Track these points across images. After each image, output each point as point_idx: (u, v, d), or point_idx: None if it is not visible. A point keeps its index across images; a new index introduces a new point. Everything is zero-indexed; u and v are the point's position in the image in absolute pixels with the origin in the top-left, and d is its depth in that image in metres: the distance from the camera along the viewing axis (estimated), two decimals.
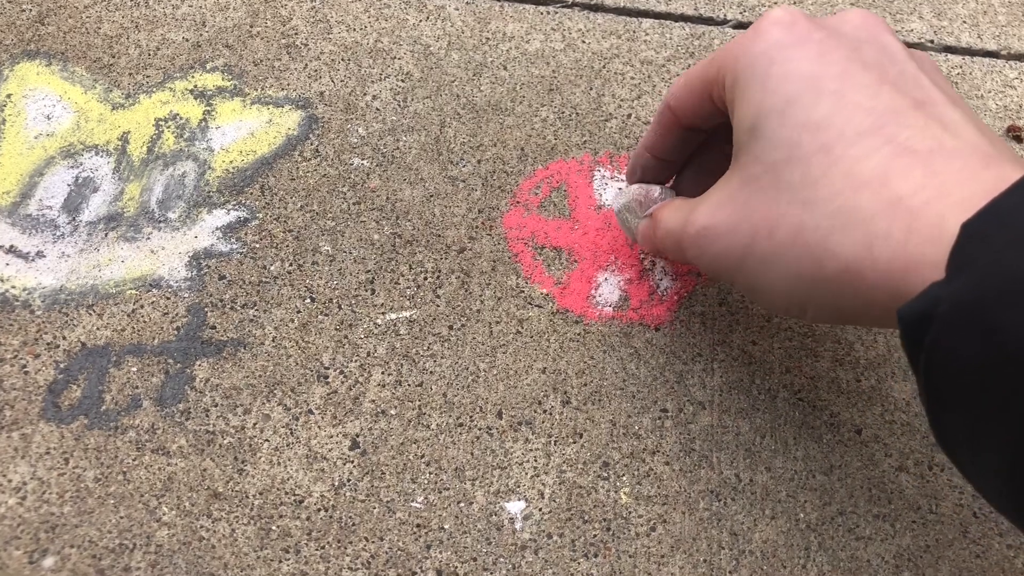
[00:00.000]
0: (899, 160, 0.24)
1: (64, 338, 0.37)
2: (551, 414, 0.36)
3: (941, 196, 0.23)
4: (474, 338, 0.38)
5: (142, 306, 0.38)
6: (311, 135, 0.43)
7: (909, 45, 0.47)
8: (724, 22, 0.48)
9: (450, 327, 0.38)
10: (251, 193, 0.41)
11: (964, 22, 0.48)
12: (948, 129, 0.25)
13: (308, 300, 0.38)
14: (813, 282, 0.26)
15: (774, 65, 0.28)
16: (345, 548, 0.33)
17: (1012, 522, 0.21)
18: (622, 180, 0.42)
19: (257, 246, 0.40)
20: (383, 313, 0.38)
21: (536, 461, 0.35)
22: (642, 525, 0.34)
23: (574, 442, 0.35)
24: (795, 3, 0.48)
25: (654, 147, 0.35)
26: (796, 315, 0.28)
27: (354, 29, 0.46)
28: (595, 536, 0.33)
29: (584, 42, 0.46)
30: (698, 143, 0.35)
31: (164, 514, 0.34)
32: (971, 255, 0.21)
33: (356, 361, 0.37)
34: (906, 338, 0.22)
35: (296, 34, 0.46)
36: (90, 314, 0.38)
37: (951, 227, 0.22)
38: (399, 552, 0.33)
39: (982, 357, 0.20)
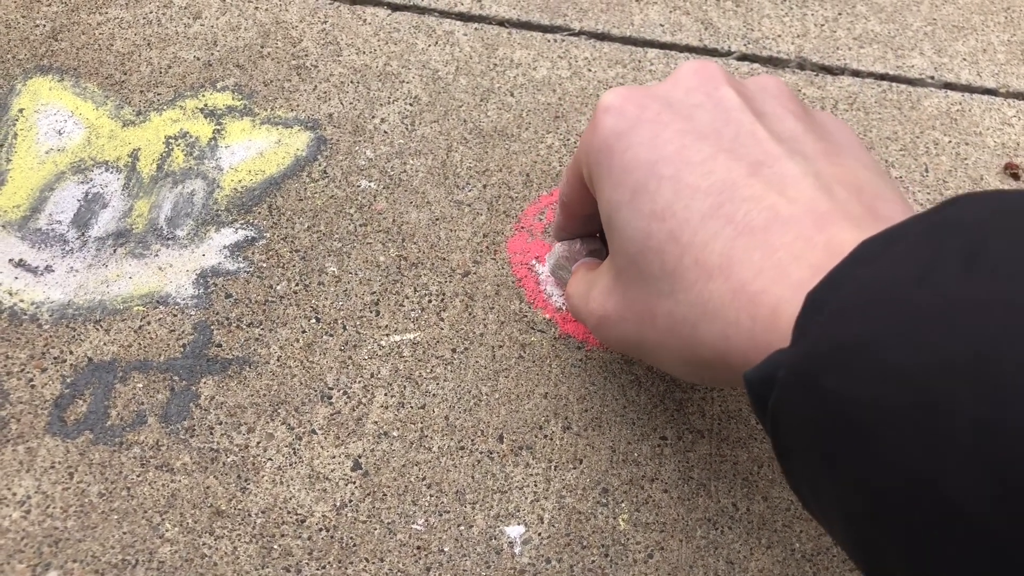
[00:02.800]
0: (739, 242, 0.25)
1: (71, 353, 0.37)
2: (552, 439, 0.36)
3: (778, 278, 0.24)
4: (477, 362, 0.38)
5: (149, 322, 0.38)
6: (319, 156, 0.43)
7: (909, 81, 0.48)
8: (728, 53, 0.48)
9: (453, 350, 0.38)
10: (259, 212, 0.41)
11: (964, 59, 0.49)
12: (784, 192, 0.25)
13: (313, 320, 0.39)
14: (695, 365, 0.27)
15: (614, 156, 0.28)
16: (346, 569, 0.33)
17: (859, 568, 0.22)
18: None
19: (264, 265, 0.40)
20: (387, 335, 0.39)
21: (536, 486, 0.35)
22: (640, 552, 0.34)
23: (574, 467, 0.36)
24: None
25: (566, 228, 0.36)
26: (698, 383, 0.30)
27: (363, 52, 0.47)
28: (593, 562, 0.34)
29: (590, 70, 0.47)
30: None
31: (167, 531, 0.34)
32: (807, 325, 0.21)
33: (360, 382, 0.37)
34: (753, 401, 0.23)
35: (306, 55, 0.47)
36: (97, 329, 0.38)
37: (787, 311, 0.23)
38: (399, 574, 0.33)
39: (812, 417, 0.21)
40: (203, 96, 0.45)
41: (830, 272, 0.22)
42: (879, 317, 0.19)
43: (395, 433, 0.36)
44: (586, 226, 0.36)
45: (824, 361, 0.20)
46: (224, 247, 0.40)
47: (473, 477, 0.35)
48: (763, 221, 0.25)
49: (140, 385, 0.37)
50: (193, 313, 0.39)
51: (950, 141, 0.45)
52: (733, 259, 0.25)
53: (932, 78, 0.48)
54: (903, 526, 0.18)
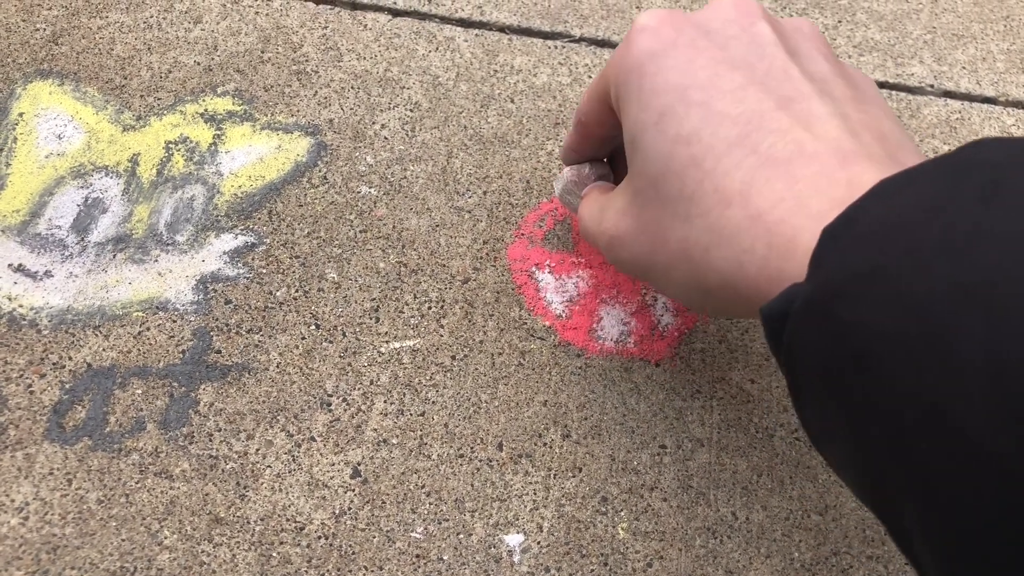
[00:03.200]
0: (761, 172, 0.25)
1: (70, 358, 0.37)
2: (551, 447, 0.36)
3: (797, 209, 0.24)
4: (476, 369, 0.38)
5: (148, 328, 0.38)
6: (320, 162, 0.43)
7: (909, 89, 0.48)
8: None
9: (453, 357, 0.38)
10: (259, 218, 0.41)
11: (964, 68, 0.49)
12: (811, 128, 0.26)
13: (313, 327, 0.39)
14: (703, 291, 0.27)
15: (645, 78, 0.28)
16: None
17: (874, 513, 0.22)
18: None
19: (264, 271, 0.40)
20: (387, 342, 0.39)
21: (535, 494, 0.35)
22: (639, 561, 0.34)
23: (573, 476, 0.36)
24: None
25: (578, 149, 0.37)
26: (699, 311, 0.30)
27: (364, 58, 0.47)
28: (592, 571, 0.34)
29: (590, 77, 0.47)
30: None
31: (166, 538, 0.34)
32: (824, 256, 0.22)
33: (359, 389, 0.37)
34: (769, 335, 0.23)
35: (307, 61, 0.47)
36: (96, 335, 0.38)
37: (804, 241, 0.23)
38: None
39: (827, 351, 0.21)
40: (203, 101, 0.45)
41: (848, 207, 0.22)
42: (894, 247, 0.20)
43: (394, 440, 0.36)
44: (598, 149, 0.36)
45: (838, 291, 0.20)
46: (224, 253, 0.40)
47: (472, 485, 0.35)
48: (787, 154, 0.25)
49: (139, 391, 0.37)
50: (192, 319, 0.39)
51: (950, 149, 0.45)
52: (753, 187, 0.25)
53: (932, 86, 0.48)
54: (911, 455, 0.18)
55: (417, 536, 0.34)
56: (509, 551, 0.34)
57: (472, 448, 0.36)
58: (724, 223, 0.25)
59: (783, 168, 0.25)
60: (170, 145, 0.43)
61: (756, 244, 0.24)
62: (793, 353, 0.22)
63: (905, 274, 0.19)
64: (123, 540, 0.34)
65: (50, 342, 0.38)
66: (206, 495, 0.35)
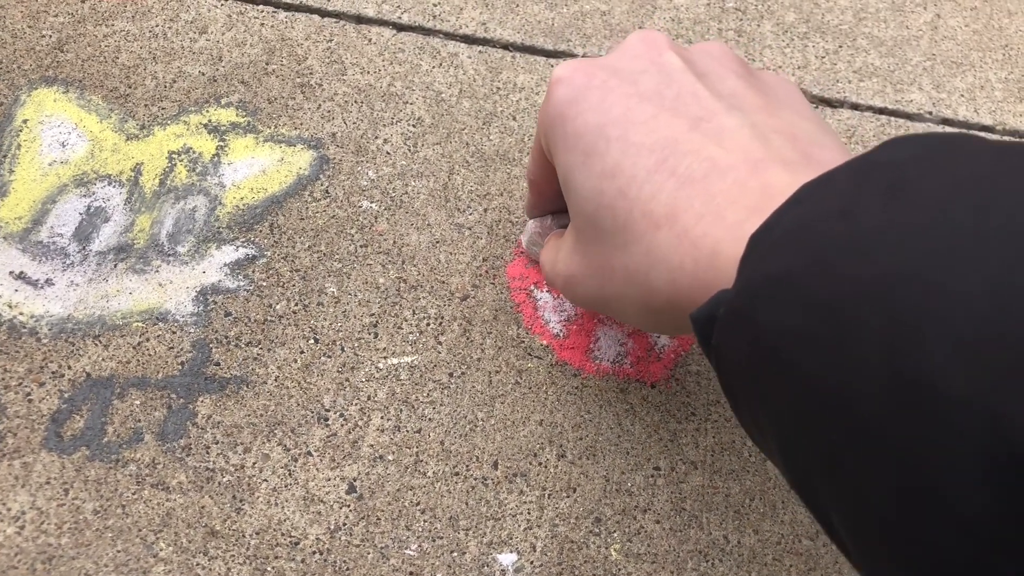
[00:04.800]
0: (682, 192, 0.26)
1: (69, 368, 0.37)
2: (546, 467, 0.37)
3: (716, 222, 0.25)
4: (473, 387, 0.38)
5: (148, 339, 0.38)
6: (322, 175, 0.44)
7: (908, 116, 0.48)
8: None
9: (450, 374, 0.39)
10: (260, 231, 0.42)
11: (962, 96, 0.49)
12: (722, 143, 0.27)
13: (312, 341, 0.39)
14: (653, 313, 0.29)
15: (567, 123, 0.30)
16: None
17: (806, 507, 0.23)
18: None
19: (264, 284, 0.40)
20: (385, 357, 0.39)
21: (530, 514, 0.36)
22: None
23: (567, 496, 0.36)
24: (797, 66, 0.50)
25: (537, 205, 0.38)
26: (659, 332, 0.32)
27: (368, 72, 0.47)
28: None
29: None
30: None
31: (161, 550, 0.34)
32: (745, 263, 0.23)
33: (356, 404, 0.38)
34: (700, 340, 0.24)
35: (311, 74, 0.47)
36: (96, 345, 0.38)
37: (724, 251, 0.25)
38: None
39: (747, 352, 0.22)
40: (207, 112, 0.45)
41: (771, 215, 0.23)
42: (801, 249, 0.21)
43: (390, 457, 0.36)
44: (554, 203, 0.38)
45: (755, 295, 0.22)
46: (225, 265, 0.41)
47: (467, 503, 0.36)
48: (703, 171, 0.26)
49: (138, 402, 0.37)
50: (192, 331, 0.39)
51: None
52: (677, 208, 0.26)
53: (930, 113, 0.49)
54: (823, 446, 0.19)
55: (411, 553, 0.34)
56: (502, 570, 0.34)
57: (467, 466, 0.36)
58: (656, 245, 0.27)
59: (700, 185, 0.26)
60: (173, 155, 0.43)
61: (684, 261, 0.26)
62: (720, 355, 0.24)
63: (811, 276, 0.20)
64: (119, 551, 0.34)
65: (50, 351, 0.38)
66: (202, 508, 0.35)
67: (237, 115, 0.45)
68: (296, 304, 0.40)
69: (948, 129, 0.48)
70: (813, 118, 0.29)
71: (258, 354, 0.38)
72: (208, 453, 0.36)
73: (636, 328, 0.40)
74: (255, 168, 0.43)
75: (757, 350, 0.21)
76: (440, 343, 0.39)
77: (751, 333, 0.21)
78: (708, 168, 0.26)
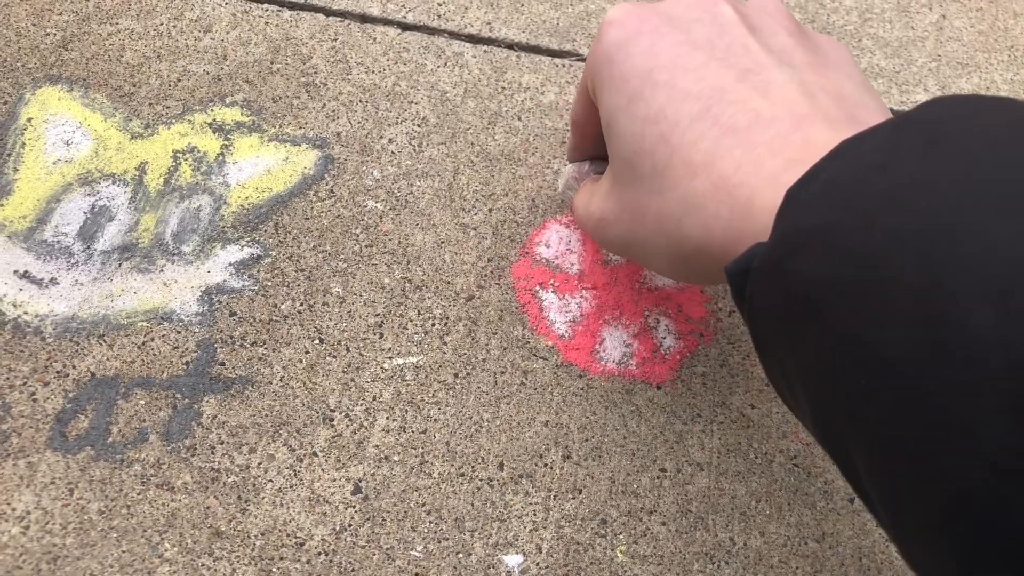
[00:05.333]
0: (723, 141, 0.27)
1: (74, 367, 0.37)
2: (552, 468, 0.37)
3: (754, 171, 0.25)
4: (479, 387, 0.38)
5: (152, 339, 0.38)
6: (327, 175, 0.43)
7: None
8: None
9: (455, 375, 0.39)
10: (265, 230, 0.42)
11: None
12: (768, 95, 0.27)
13: (317, 341, 0.39)
14: (681, 259, 0.29)
15: (615, 65, 0.30)
16: None
17: (828, 454, 0.23)
18: None
19: (269, 284, 0.40)
20: (390, 358, 0.39)
21: (535, 515, 0.35)
22: None
23: (573, 498, 0.36)
24: None
25: (579, 148, 0.39)
26: (684, 280, 0.32)
27: (373, 71, 0.47)
28: None
29: None
30: None
31: (166, 550, 0.34)
32: (782, 215, 0.23)
33: (362, 405, 0.37)
34: (733, 292, 0.25)
35: (316, 73, 0.47)
36: (101, 344, 0.38)
37: (760, 202, 0.25)
38: None
39: (779, 302, 0.22)
40: (212, 111, 0.45)
41: (809, 169, 0.23)
42: (839, 202, 0.21)
43: (396, 458, 0.36)
44: (595, 147, 0.38)
45: (789, 247, 0.22)
46: (229, 264, 0.40)
47: (473, 504, 0.36)
48: (746, 122, 0.27)
49: (142, 402, 0.37)
50: (197, 330, 0.39)
51: None
52: (716, 156, 0.27)
53: None
54: (851, 394, 0.20)
55: (417, 555, 0.34)
56: (508, 572, 0.34)
57: (473, 467, 0.36)
58: (692, 192, 0.27)
59: (742, 135, 0.26)
60: (178, 154, 0.43)
61: (720, 209, 0.26)
62: (753, 306, 0.24)
63: (847, 226, 0.20)
64: (123, 552, 0.34)
65: (54, 350, 0.38)
66: (207, 508, 0.35)
67: (242, 114, 0.45)
68: (301, 304, 0.40)
69: None
70: (861, 81, 0.29)
71: (263, 354, 0.38)
72: (213, 453, 0.36)
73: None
74: (260, 167, 0.43)
75: (790, 300, 0.22)
76: (445, 343, 0.39)
77: (785, 283, 0.22)
78: (752, 119, 0.27)
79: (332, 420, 0.37)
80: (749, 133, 0.26)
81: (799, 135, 0.25)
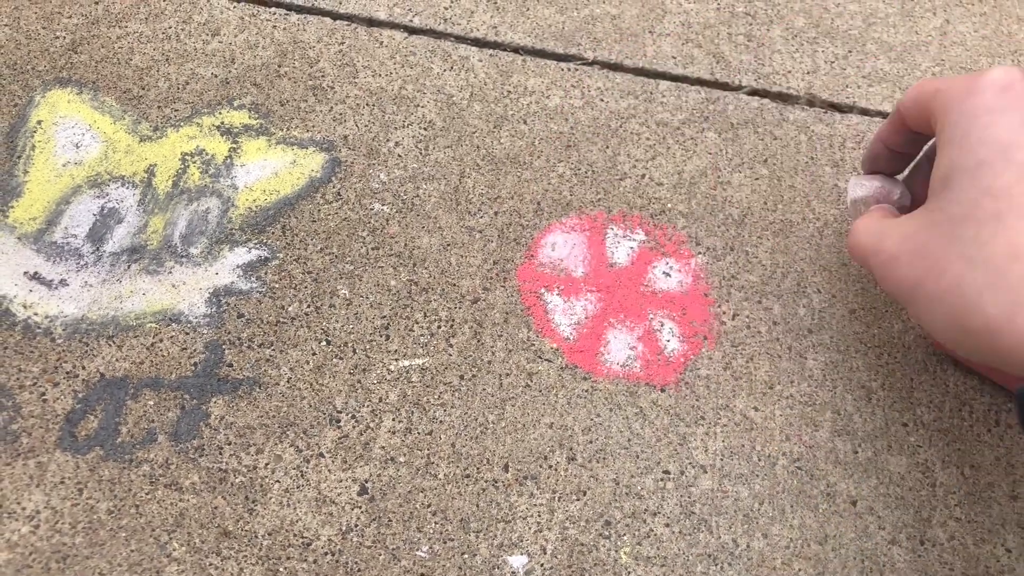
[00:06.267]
0: None
1: (83, 368, 0.38)
2: (556, 470, 0.37)
3: None
4: (484, 389, 0.39)
5: (161, 340, 0.39)
6: (334, 178, 0.44)
7: None
8: (739, 88, 0.49)
9: (461, 377, 0.39)
10: (272, 233, 0.42)
11: None
12: None
13: (324, 343, 0.39)
14: (962, 329, 0.29)
15: (975, 127, 0.31)
16: None
17: None
18: (634, 239, 0.43)
19: (276, 286, 0.40)
20: (396, 360, 0.39)
21: (540, 516, 0.36)
22: None
23: (577, 499, 0.36)
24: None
25: (887, 139, 0.38)
26: (952, 348, 0.32)
27: (380, 75, 0.47)
28: None
29: (602, 100, 0.48)
30: (930, 141, 0.38)
31: (174, 550, 0.34)
32: None
33: (368, 406, 0.38)
34: (1020, 414, 0.26)
35: (323, 76, 0.47)
36: (110, 345, 0.38)
37: None
38: None
39: None
40: (220, 114, 0.45)
41: None
42: None
43: (402, 459, 0.37)
44: (891, 165, 0.39)
45: None
46: (237, 266, 0.41)
47: (478, 506, 0.36)
48: None
49: (151, 403, 0.37)
50: (205, 332, 0.39)
51: None
52: None
53: None
54: None
55: (422, 555, 0.35)
56: (513, 572, 0.34)
57: (478, 468, 0.37)
58: (1007, 273, 0.27)
59: None
60: (186, 157, 0.44)
61: None
62: None
63: None
64: (132, 551, 0.34)
65: (64, 351, 0.38)
66: (215, 508, 0.35)
67: (249, 117, 0.45)
68: (308, 306, 0.40)
69: None
70: None
71: (270, 356, 0.39)
72: (221, 454, 0.36)
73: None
74: (267, 170, 0.44)
75: None
76: (451, 345, 0.40)
77: None
78: None
79: (339, 421, 0.37)
80: None
81: None
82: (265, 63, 0.47)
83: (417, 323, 0.40)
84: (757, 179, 0.45)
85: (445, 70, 0.48)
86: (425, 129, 0.46)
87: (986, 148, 0.30)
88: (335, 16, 0.49)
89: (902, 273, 0.32)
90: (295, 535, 0.35)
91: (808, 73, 0.50)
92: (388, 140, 0.45)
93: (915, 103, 0.35)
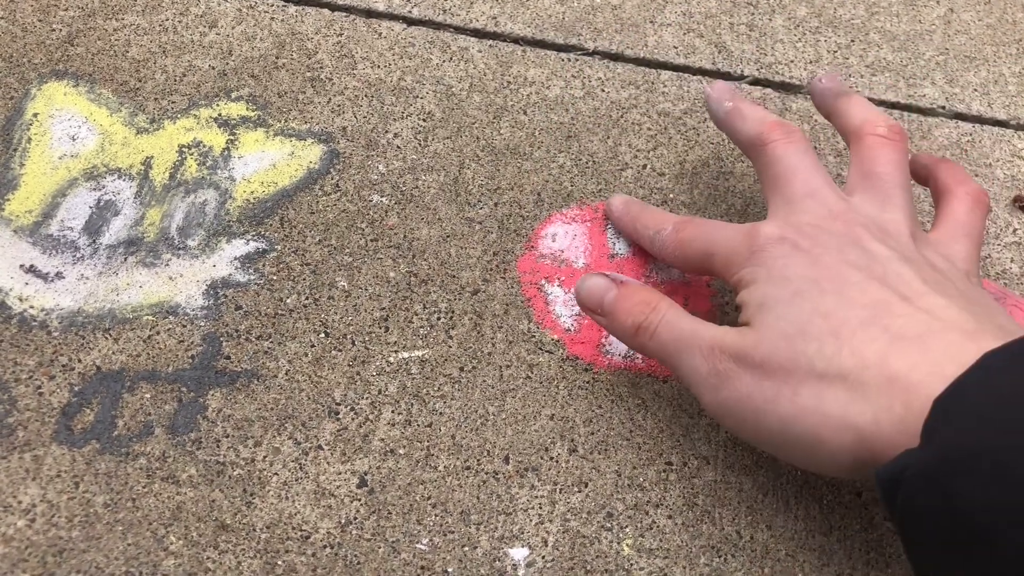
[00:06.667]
0: (896, 345, 0.28)
1: (79, 361, 0.37)
2: (557, 461, 0.36)
3: (933, 372, 0.27)
4: (484, 381, 0.38)
5: (158, 332, 0.38)
6: (332, 170, 0.43)
7: (920, 110, 0.48)
8: (741, 77, 0.49)
9: (461, 369, 0.38)
10: (271, 225, 0.41)
11: (975, 90, 0.49)
12: (934, 315, 0.29)
13: (323, 335, 0.39)
14: (816, 441, 0.29)
15: (774, 269, 0.32)
16: None
17: None
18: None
19: (274, 278, 0.40)
20: (396, 351, 0.39)
21: (541, 508, 0.35)
22: None
23: (579, 491, 0.36)
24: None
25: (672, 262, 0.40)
26: (803, 465, 0.32)
27: (378, 66, 0.47)
28: None
29: (603, 91, 0.47)
30: None
31: (171, 543, 0.34)
32: (935, 428, 0.25)
33: (367, 398, 0.37)
34: (882, 495, 0.26)
35: (321, 68, 0.47)
36: (106, 338, 0.38)
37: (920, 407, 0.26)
38: None
39: (943, 522, 0.24)
40: (217, 106, 0.45)
41: (956, 380, 0.25)
42: (1002, 427, 0.23)
43: (401, 451, 0.36)
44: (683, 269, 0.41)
45: (950, 466, 0.23)
46: (235, 258, 0.40)
47: (478, 498, 0.35)
48: (917, 332, 0.28)
49: (148, 395, 0.37)
50: (202, 324, 0.39)
51: None
52: (889, 356, 0.28)
53: (943, 108, 0.48)
54: None
55: (422, 548, 0.34)
56: (514, 565, 0.34)
57: (479, 460, 0.36)
58: (864, 383, 0.28)
59: (916, 342, 0.28)
60: (183, 149, 0.43)
61: (894, 403, 0.27)
62: (906, 515, 0.25)
63: (1013, 455, 0.22)
64: (129, 545, 0.34)
65: (60, 344, 0.38)
66: (213, 501, 0.35)
67: (247, 109, 0.45)
68: (306, 298, 0.40)
69: (961, 124, 0.48)
70: (978, 289, 0.33)
71: (268, 348, 0.38)
72: (218, 447, 0.36)
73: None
74: (265, 162, 0.43)
75: (952, 518, 0.23)
76: (451, 337, 0.39)
77: (944, 501, 0.23)
78: (923, 330, 0.28)
79: (337, 413, 0.37)
80: (922, 341, 0.28)
81: (975, 346, 0.26)
82: (263, 55, 0.47)
83: (416, 315, 0.40)
84: None
85: (444, 61, 0.48)
86: (424, 120, 0.45)
87: (796, 282, 0.31)
88: (333, 7, 0.49)
89: (750, 388, 0.31)
90: (294, 528, 0.34)
91: (811, 62, 0.49)
92: (387, 131, 0.45)
93: (685, 262, 0.37)
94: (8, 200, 0.41)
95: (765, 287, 0.32)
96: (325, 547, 0.34)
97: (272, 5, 0.49)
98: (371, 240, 0.41)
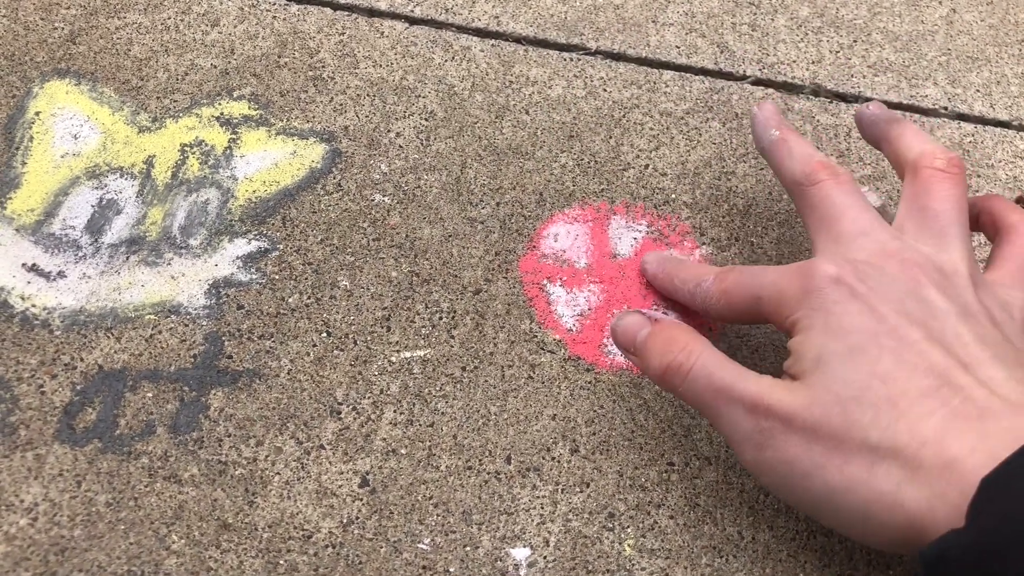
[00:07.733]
0: (955, 423, 0.27)
1: (82, 360, 0.37)
2: (559, 461, 0.36)
3: (990, 460, 0.26)
4: (486, 381, 0.38)
5: (160, 332, 0.38)
6: (334, 169, 0.43)
7: (923, 111, 0.48)
8: (743, 78, 0.49)
9: (463, 368, 0.38)
10: (273, 224, 0.41)
11: (977, 91, 0.49)
12: (995, 392, 0.28)
13: (324, 334, 0.39)
14: (872, 521, 0.28)
15: (831, 317, 0.31)
16: None
17: None
18: (638, 230, 0.43)
19: (276, 277, 0.40)
20: (398, 351, 0.39)
21: (543, 508, 0.35)
22: None
23: (581, 491, 0.36)
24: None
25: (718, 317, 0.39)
26: (845, 534, 0.31)
27: (380, 65, 0.47)
28: None
29: (605, 90, 0.47)
30: None
31: (173, 542, 0.34)
32: (983, 508, 0.25)
33: (369, 398, 0.37)
34: (926, 573, 0.26)
35: (323, 67, 0.47)
36: (108, 337, 0.38)
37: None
38: None
39: None
40: (219, 104, 0.45)
41: (1004, 461, 0.25)
42: None
43: (403, 451, 0.36)
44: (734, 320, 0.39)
45: (996, 546, 0.24)
46: (237, 258, 0.40)
47: (480, 498, 0.35)
48: (977, 411, 0.27)
49: (150, 395, 0.37)
50: (205, 323, 0.39)
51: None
52: (947, 435, 0.27)
53: (945, 108, 0.48)
54: None
55: (424, 548, 0.34)
56: (516, 565, 0.34)
57: (480, 460, 0.36)
58: (919, 463, 0.27)
59: (974, 423, 0.27)
60: (185, 148, 0.43)
61: (950, 490, 0.26)
62: None
63: None
64: (131, 544, 0.34)
65: (62, 343, 0.38)
66: (215, 500, 0.35)
67: (249, 108, 0.45)
68: (308, 297, 0.40)
69: (963, 125, 0.48)
70: None
71: (271, 347, 0.38)
72: (220, 446, 0.36)
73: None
74: (267, 161, 0.43)
75: None
76: (453, 337, 0.39)
77: None
78: (983, 409, 0.27)
79: (339, 413, 0.37)
80: (981, 422, 0.27)
81: None
82: (265, 54, 0.47)
83: (418, 314, 0.40)
84: (762, 169, 0.45)
85: (446, 60, 0.48)
86: (426, 120, 0.45)
87: (854, 335, 0.30)
88: (335, 6, 0.49)
89: (798, 450, 0.29)
90: (295, 527, 0.34)
91: (813, 63, 0.49)
92: (389, 131, 0.45)
93: (731, 311, 0.35)
94: (10, 199, 0.41)
95: (822, 337, 0.31)
96: (327, 547, 0.34)
97: (274, 4, 0.49)
98: (373, 239, 0.41)
